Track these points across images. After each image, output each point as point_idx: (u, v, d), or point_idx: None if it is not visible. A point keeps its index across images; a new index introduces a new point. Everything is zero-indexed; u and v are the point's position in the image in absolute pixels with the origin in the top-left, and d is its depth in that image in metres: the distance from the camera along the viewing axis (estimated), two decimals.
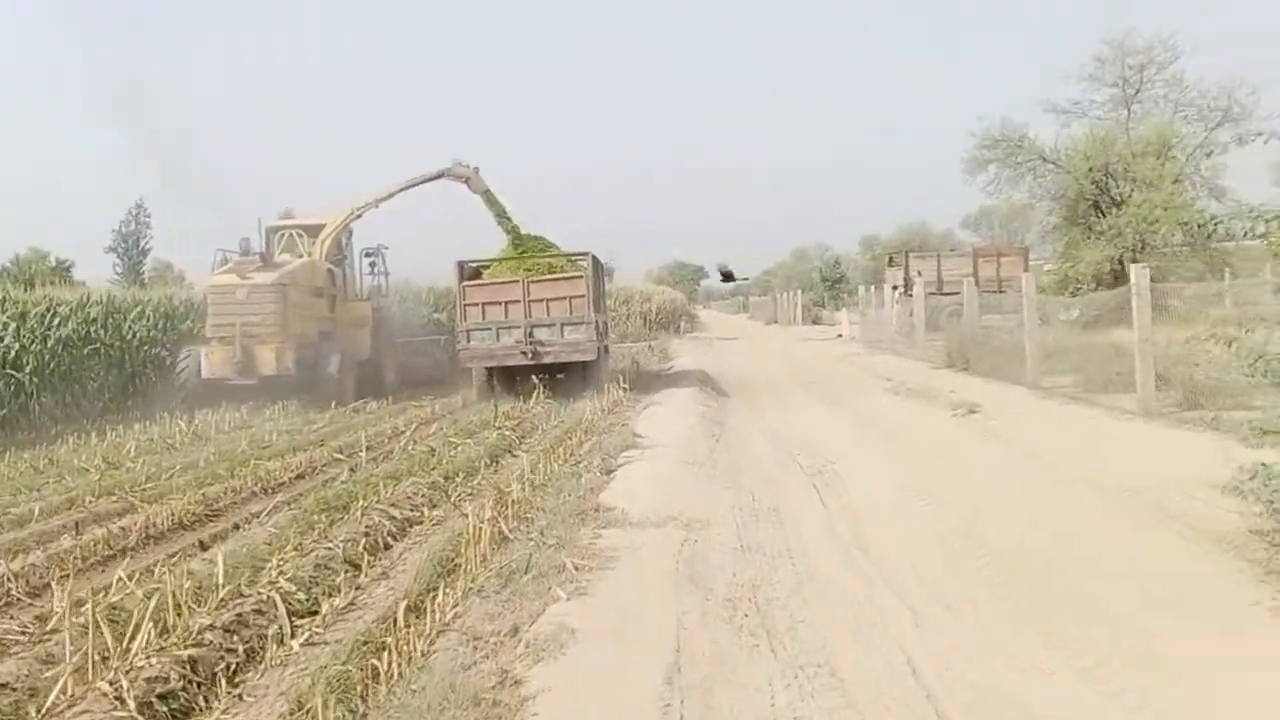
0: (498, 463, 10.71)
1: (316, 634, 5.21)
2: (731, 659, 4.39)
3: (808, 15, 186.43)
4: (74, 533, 7.60)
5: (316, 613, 5.57)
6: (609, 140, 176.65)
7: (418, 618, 5.13)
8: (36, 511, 8.51)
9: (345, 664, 4.50)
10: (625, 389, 16.52)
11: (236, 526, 8.07)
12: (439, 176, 20.20)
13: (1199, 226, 23.62)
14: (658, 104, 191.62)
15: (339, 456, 11.30)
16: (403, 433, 13.15)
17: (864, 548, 6.34)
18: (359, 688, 4.30)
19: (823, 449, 10.39)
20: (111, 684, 4.38)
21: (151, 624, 5.05)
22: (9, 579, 6.30)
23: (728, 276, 74.17)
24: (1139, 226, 29.21)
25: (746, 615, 4.99)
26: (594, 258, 18.10)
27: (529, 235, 19.61)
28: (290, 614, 5.54)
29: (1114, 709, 3.87)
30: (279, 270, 17.76)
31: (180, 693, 4.49)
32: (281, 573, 6.10)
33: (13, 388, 14.94)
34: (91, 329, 17.39)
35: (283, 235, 19.46)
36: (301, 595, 5.89)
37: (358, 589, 6.07)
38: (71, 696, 4.26)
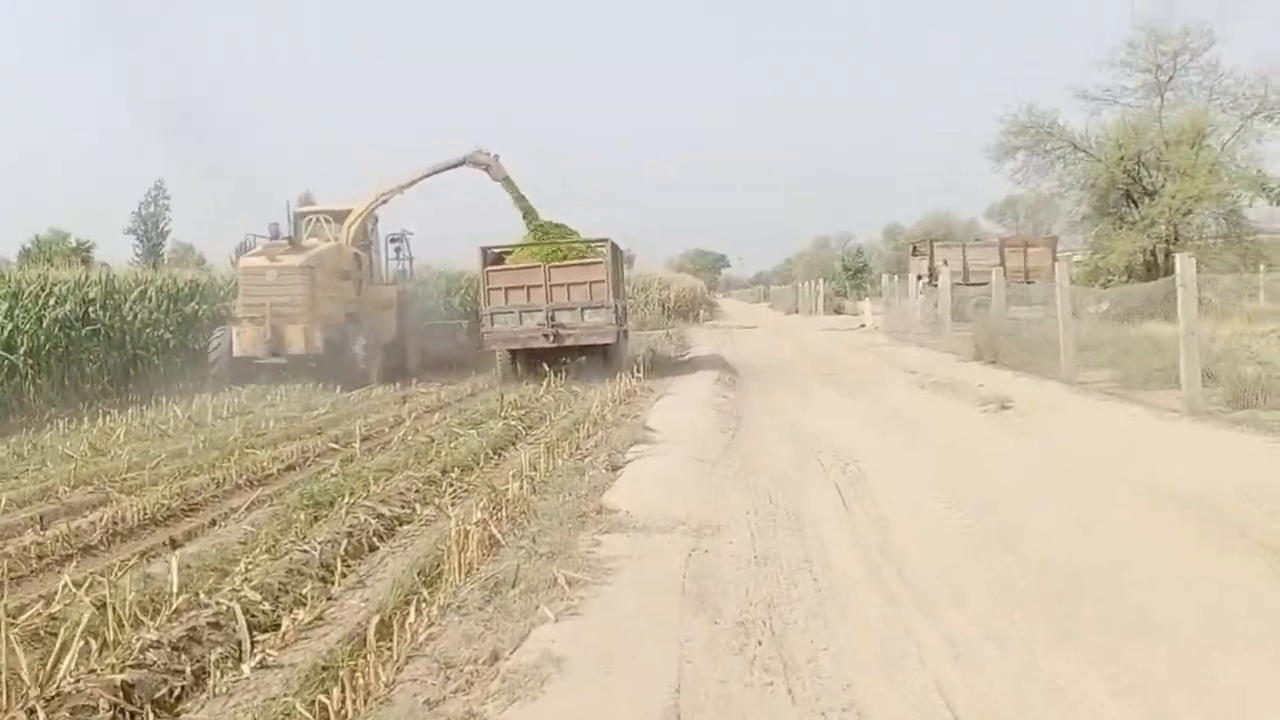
0: (500, 455, 10.13)
1: (272, 655, 4.62)
2: (741, 701, 3.77)
3: (832, 5, 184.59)
4: (39, 527, 7.05)
5: (280, 627, 4.99)
6: (631, 130, 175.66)
7: (388, 638, 4.53)
8: (4, 502, 7.98)
9: (295, 696, 3.90)
10: (639, 378, 15.94)
11: (213, 522, 7.51)
12: (460, 164, 20.63)
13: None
14: (681, 93, 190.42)
15: (334, 446, 10.75)
16: (404, 421, 12.58)
17: (892, 561, 5.70)
18: None
19: (845, 446, 9.74)
20: (29, 714, 3.82)
21: (90, 640, 4.50)
22: None
23: None
24: (1172, 217, 28.32)
25: (760, 643, 4.37)
26: (613, 244, 18.56)
27: (548, 222, 20.00)
28: (251, 628, 4.97)
29: None
30: (307, 253, 18.29)
31: None
32: (248, 579, 5.54)
33: (5, 370, 14.44)
34: (90, 309, 16.91)
35: (310, 220, 19.94)
36: (267, 605, 5.32)
37: (329, 600, 5.49)
38: None
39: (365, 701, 3.85)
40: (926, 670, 4.18)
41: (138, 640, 4.50)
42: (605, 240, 18.57)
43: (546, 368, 16.38)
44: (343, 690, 3.83)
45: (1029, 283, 26.79)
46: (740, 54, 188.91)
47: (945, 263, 28.52)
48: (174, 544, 6.94)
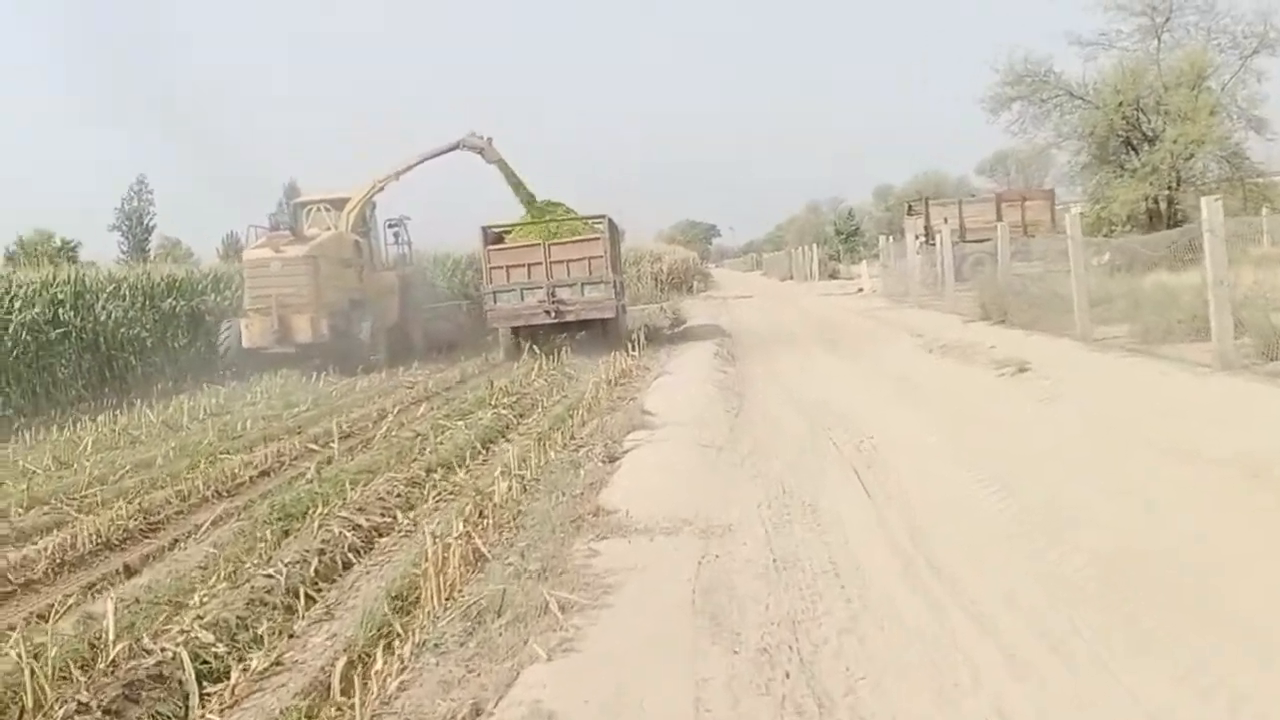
0: (490, 450, 9.46)
1: (215, 718, 3.95)
2: None
3: None
4: None
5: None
6: (615, 100, 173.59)
7: (351, 690, 3.87)
8: None
9: None
10: (634, 356, 15.28)
11: (174, 543, 6.86)
12: (455, 148, 20.92)
13: None
14: (663, 61, 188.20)
15: (312, 447, 10.07)
16: (388, 415, 11.90)
17: (928, 557, 5.03)
18: None
19: (858, 421, 9.09)
20: None
21: (9, 705, 3.84)
22: None
23: None
24: (1174, 162, 27.57)
25: (788, 675, 3.71)
26: (610, 220, 19.04)
27: (545, 202, 20.44)
28: (201, 677, 4.31)
29: None
30: (309, 243, 18.50)
31: None
32: (201, 616, 4.86)
33: None
34: (60, 311, 16.14)
35: (310, 209, 20.35)
36: (221, 646, 4.65)
37: (291, 637, 4.82)
38: None
39: None
40: (984, 692, 3.55)
41: (61, 707, 3.84)
42: (603, 217, 18.90)
43: (536, 349, 16.44)
44: None
45: (1029, 237, 26.06)
46: (714, 19, 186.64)
47: (946, 220, 27.72)
48: (128, 571, 6.29)
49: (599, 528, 5.87)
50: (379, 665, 3.98)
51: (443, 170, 22.01)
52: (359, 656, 4.29)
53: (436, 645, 4.20)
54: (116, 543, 6.84)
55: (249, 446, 10.41)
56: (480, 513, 6.26)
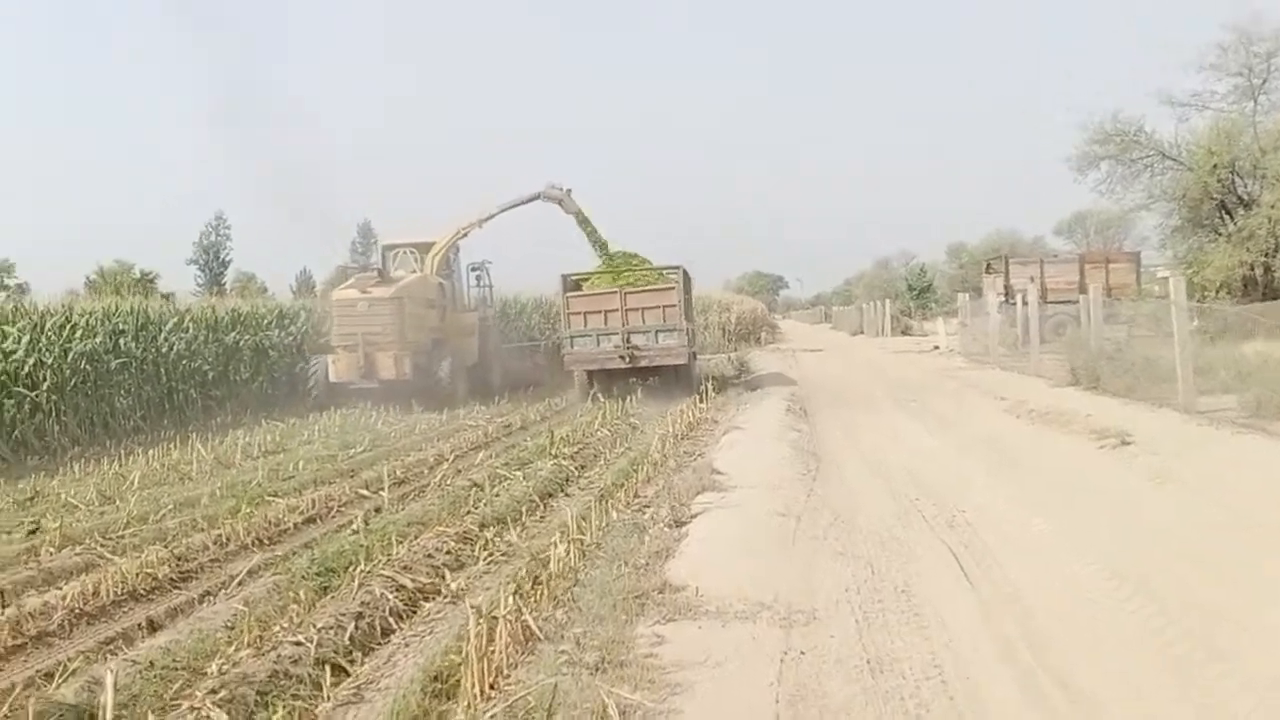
0: (547, 505, 8.86)
1: None
2: None
3: (885, 17, 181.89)
4: None
5: None
6: (686, 151, 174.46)
7: None
8: None
9: None
10: (702, 409, 14.64)
11: (205, 596, 6.33)
12: (535, 198, 21.79)
13: None
14: (734, 112, 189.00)
15: (363, 492, 9.56)
16: (445, 461, 11.37)
17: (1053, 670, 4.28)
18: None
19: (948, 493, 8.33)
20: None
21: None
22: None
23: None
24: (1273, 228, 26.32)
25: None
26: (684, 271, 19.69)
27: (620, 252, 21.28)
28: None
29: None
30: (396, 285, 19.37)
31: None
32: (215, 690, 4.29)
33: (27, 407, 13.48)
34: (120, 340, 15.96)
35: (397, 253, 21.34)
36: None
37: None
38: None
39: None
40: None
41: None
42: (677, 268, 19.56)
43: (600, 397, 16.49)
44: None
45: (1115, 300, 24.98)
46: (783, 74, 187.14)
47: (1033, 279, 26.71)
48: (151, 627, 5.77)
49: (665, 607, 5.21)
50: None
51: (517, 218, 22.66)
52: None
53: None
54: (143, 593, 6.33)
55: (298, 489, 9.94)
56: (534, 581, 5.64)
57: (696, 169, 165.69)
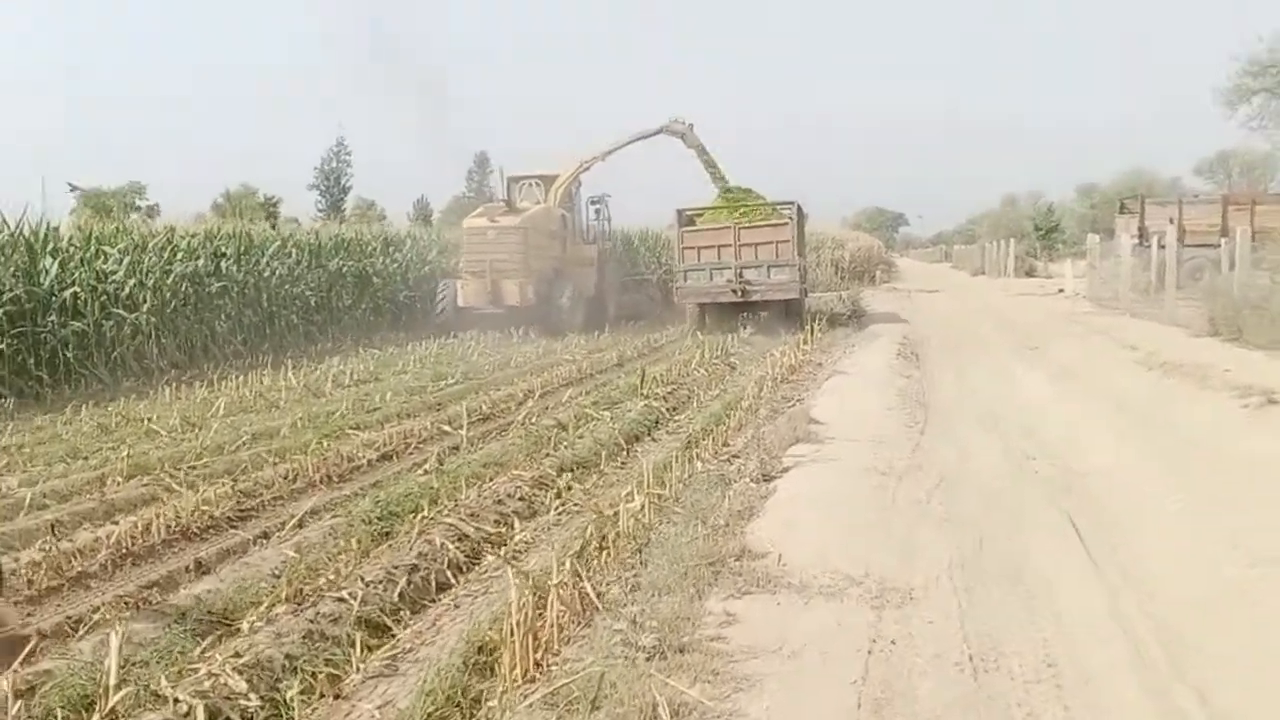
0: (631, 450, 8.40)
1: None
2: None
3: None
4: (50, 537, 5.67)
5: None
6: (810, 87, 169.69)
7: None
8: (44, 495, 6.74)
9: None
10: (805, 351, 13.94)
11: (261, 537, 6.03)
12: (658, 133, 22.18)
13: None
14: (861, 46, 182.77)
15: (445, 428, 9.23)
16: (533, 395, 10.98)
17: (1197, 686, 3.59)
18: None
19: (1070, 454, 7.55)
20: None
21: None
22: None
23: None
24: None
25: None
26: (798, 207, 19.83)
27: (737, 187, 21.41)
28: None
29: None
30: (521, 215, 20.13)
31: None
32: (238, 654, 3.93)
33: (127, 329, 13.57)
34: (221, 264, 16.00)
35: (523, 184, 21.88)
36: (254, 699, 3.72)
37: (338, 698, 3.82)
38: None
39: None
40: None
41: None
42: (792, 203, 19.68)
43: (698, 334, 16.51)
44: None
45: (1260, 245, 23.10)
46: (913, 15, 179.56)
47: (1172, 220, 24.88)
48: (199, 569, 5.50)
49: (742, 577, 4.66)
50: None
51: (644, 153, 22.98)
52: None
53: None
54: (197, 531, 6.07)
55: (381, 422, 9.70)
56: (601, 541, 5.16)
57: (822, 103, 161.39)
